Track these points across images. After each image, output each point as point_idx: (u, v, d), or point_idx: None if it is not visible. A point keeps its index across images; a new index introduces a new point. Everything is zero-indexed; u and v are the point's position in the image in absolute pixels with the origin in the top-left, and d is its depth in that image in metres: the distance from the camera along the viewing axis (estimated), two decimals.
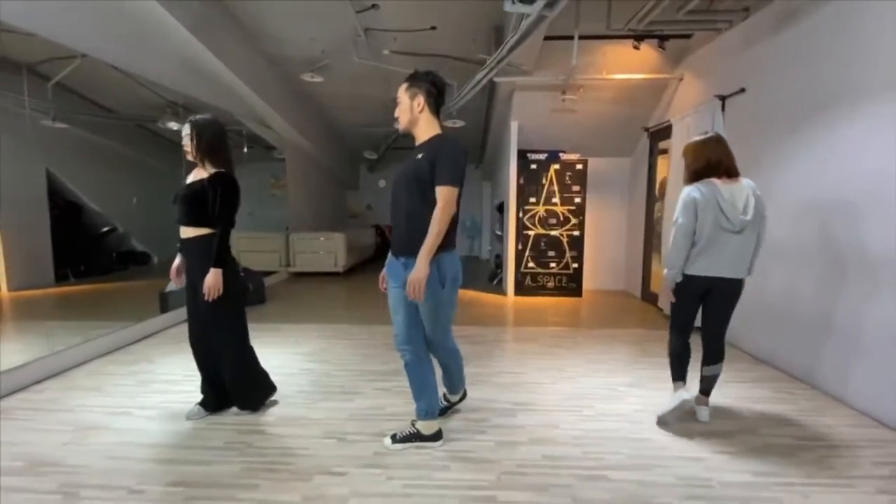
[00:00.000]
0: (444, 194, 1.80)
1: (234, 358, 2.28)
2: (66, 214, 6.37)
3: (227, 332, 2.25)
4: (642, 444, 2.07)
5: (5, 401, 2.46)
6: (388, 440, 2.03)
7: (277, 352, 3.29)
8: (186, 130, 2.16)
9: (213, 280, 2.09)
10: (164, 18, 3.63)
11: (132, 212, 7.59)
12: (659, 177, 5.12)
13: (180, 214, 2.17)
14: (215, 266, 2.10)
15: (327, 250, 6.89)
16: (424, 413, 2.02)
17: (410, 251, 1.83)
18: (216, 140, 2.18)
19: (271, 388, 2.44)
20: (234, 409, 2.36)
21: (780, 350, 3.06)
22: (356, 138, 8.75)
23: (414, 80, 1.92)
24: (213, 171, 2.17)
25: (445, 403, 2.33)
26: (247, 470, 1.84)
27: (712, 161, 2.20)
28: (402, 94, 1.93)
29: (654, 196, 5.20)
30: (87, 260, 6.91)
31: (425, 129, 1.92)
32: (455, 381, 2.23)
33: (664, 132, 4.82)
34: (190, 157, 2.19)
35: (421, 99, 1.88)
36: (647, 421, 2.30)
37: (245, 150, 7.24)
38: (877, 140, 2.37)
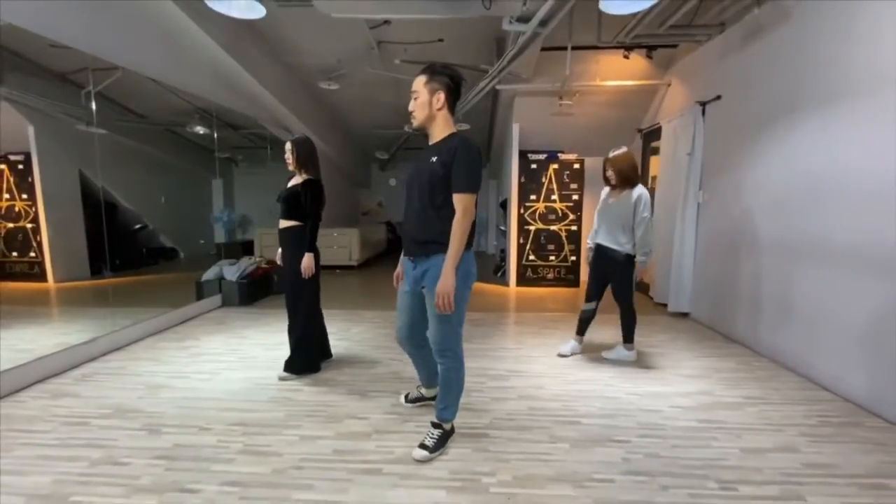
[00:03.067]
0: (463, 202, 1.74)
1: (302, 328, 2.79)
2: (101, 213, 6.93)
3: (305, 303, 2.79)
4: (612, 401, 2.49)
5: (84, 368, 2.95)
6: (419, 451, 1.91)
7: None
8: (288, 147, 2.76)
9: (307, 262, 2.69)
10: (200, 36, 4.11)
11: (161, 210, 8.15)
12: (651, 174, 5.49)
13: (281, 210, 2.77)
14: (309, 251, 2.69)
15: (342, 245, 7.37)
16: (452, 413, 2.01)
17: (420, 253, 1.86)
18: (308, 154, 2.77)
19: (316, 367, 2.89)
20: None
21: (748, 330, 3.44)
22: (368, 139, 9.21)
23: (434, 73, 1.81)
24: (306, 177, 2.73)
25: (419, 394, 2.39)
26: (290, 416, 2.30)
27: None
28: (421, 87, 1.81)
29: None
30: (122, 255, 7.48)
31: (441, 127, 1.84)
32: (448, 398, 1.98)
33: (656, 133, 5.19)
34: (290, 167, 2.79)
35: (442, 95, 1.79)
36: (621, 385, 2.71)
37: (269, 151, 7.75)
38: (829, 139, 2.73)
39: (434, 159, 1.79)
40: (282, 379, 2.76)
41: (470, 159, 1.76)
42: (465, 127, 6.85)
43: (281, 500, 1.65)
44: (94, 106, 4.22)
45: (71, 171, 5.97)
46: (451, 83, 1.82)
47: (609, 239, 2.99)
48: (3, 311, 4.55)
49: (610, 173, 2.99)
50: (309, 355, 2.86)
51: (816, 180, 2.81)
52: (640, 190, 2.92)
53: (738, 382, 2.75)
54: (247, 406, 2.41)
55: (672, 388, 2.66)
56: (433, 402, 2.18)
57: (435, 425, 2.00)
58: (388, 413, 2.32)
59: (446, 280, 1.73)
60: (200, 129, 6.78)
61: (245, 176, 10.05)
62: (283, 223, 2.76)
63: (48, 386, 2.66)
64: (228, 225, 9.85)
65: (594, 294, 3.14)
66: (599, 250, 3.07)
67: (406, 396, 2.39)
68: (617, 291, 3.05)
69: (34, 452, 1.96)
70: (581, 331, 3.24)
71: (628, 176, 2.94)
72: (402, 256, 2.04)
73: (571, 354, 3.20)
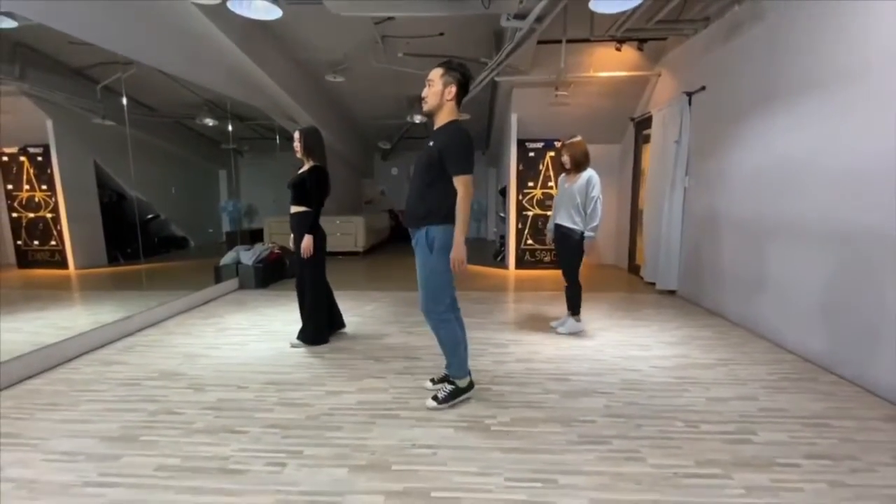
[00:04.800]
0: (461, 183, 2.02)
1: (310, 301, 3.11)
2: (114, 204, 7.23)
3: (310, 279, 3.09)
4: (599, 363, 2.82)
5: (125, 341, 3.27)
6: (430, 401, 2.20)
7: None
8: (296, 136, 3.03)
9: (306, 242, 2.98)
10: (215, 34, 4.36)
11: (172, 201, 8.45)
12: (644, 161, 5.76)
13: (291, 197, 3.05)
14: (310, 233, 2.98)
15: (348, 232, 7.67)
16: (457, 369, 2.22)
17: (417, 224, 2.14)
18: (315, 143, 3.05)
19: (325, 339, 3.19)
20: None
21: (727, 303, 3.76)
22: (371, 130, 9.45)
23: (450, 68, 2.06)
24: (311, 164, 3.00)
25: (444, 373, 2.37)
26: (315, 376, 2.63)
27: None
28: (437, 78, 2.07)
29: (639, 179, 5.86)
30: (134, 244, 7.80)
31: (446, 115, 2.10)
32: (447, 355, 2.23)
33: (647, 122, 5.45)
34: (298, 155, 3.07)
35: (453, 89, 2.06)
36: (608, 350, 3.03)
37: (277, 141, 8.02)
38: (799, 127, 2.99)
39: (431, 144, 2.08)
40: (294, 346, 3.09)
41: (460, 144, 2.03)
42: (465, 117, 7.10)
43: (316, 438, 1.97)
44: (124, 102, 4.50)
45: (86, 162, 6.26)
46: (463, 79, 2.09)
47: (567, 219, 3.27)
48: (35, 296, 4.86)
49: (565, 158, 3.31)
50: (319, 327, 3.15)
51: (789, 165, 3.10)
52: (589, 172, 3.23)
53: (713, 348, 3.08)
54: (276, 370, 2.73)
55: (653, 353, 2.98)
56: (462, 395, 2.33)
57: (447, 381, 2.29)
58: (403, 373, 2.65)
59: (457, 247, 2.04)
60: (210, 122, 7.04)
61: (251, 166, 10.32)
62: (293, 209, 3.04)
63: (97, 356, 2.98)
64: (234, 214, 10.15)
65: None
66: (559, 230, 3.34)
67: (436, 399, 2.22)
68: (566, 265, 3.34)
69: (98, 406, 2.28)
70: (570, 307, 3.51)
71: (580, 161, 3.25)
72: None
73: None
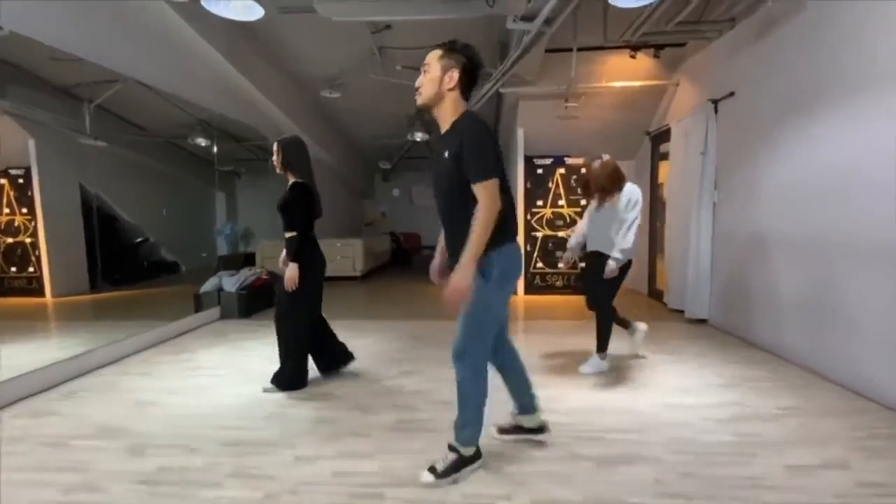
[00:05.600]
0: (480, 192, 1.52)
1: (290, 339, 2.64)
2: (101, 226, 6.86)
3: (292, 314, 2.62)
4: (636, 414, 2.29)
5: (70, 384, 2.79)
6: (426, 475, 1.69)
7: None
8: (274, 147, 2.59)
9: (290, 273, 2.51)
10: (200, 45, 4.03)
11: (162, 223, 8.07)
12: (660, 177, 5.33)
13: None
14: (293, 260, 2.51)
15: (346, 255, 7.23)
16: (469, 435, 1.74)
17: (457, 257, 1.59)
18: (294, 154, 2.60)
19: (302, 383, 2.68)
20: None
21: (774, 335, 3.23)
22: (371, 149, 9.15)
23: (451, 50, 1.63)
24: (292, 181, 2.58)
25: (514, 423, 2.02)
26: (287, 433, 2.12)
27: None
28: (434, 61, 1.63)
29: (657, 197, 5.41)
30: (122, 269, 7.39)
31: (450, 110, 1.63)
32: (462, 413, 1.73)
33: (664, 135, 5.04)
34: (277, 171, 2.62)
35: (455, 74, 1.59)
36: (643, 396, 2.51)
37: (270, 161, 7.72)
38: (855, 131, 2.56)
39: (445, 154, 1.61)
40: (266, 391, 2.60)
41: (479, 141, 1.55)
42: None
43: None
44: (88, 116, 4.14)
45: (71, 184, 5.91)
46: (469, 63, 1.62)
47: (605, 244, 2.80)
48: (2, 327, 4.41)
49: (591, 187, 2.85)
50: (299, 370, 2.66)
51: (843, 175, 2.65)
52: (629, 189, 2.78)
53: (771, 391, 2.55)
54: (240, 423, 2.23)
55: (700, 399, 2.45)
56: (536, 437, 1.98)
57: (450, 448, 1.75)
58: (392, 430, 2.14)
59: (460, 274, 1.52)
60: (202, 141, 6.72)
61: (248, 188, 10.00)
62: (286, 234, 2.60)
63: (33, 403, 2.50)
64: (231, 238, 9.77)
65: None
66: (595, 255, 2.87)
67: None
68: (600, 293, 2.85)
69: (5, 478, 1.78)
70: (623, 324, 3.07)
71: (605, 187, 2.78)
72: None
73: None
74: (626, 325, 3.08)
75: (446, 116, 1.64)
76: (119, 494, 1.67)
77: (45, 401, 2.53)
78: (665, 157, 5.08)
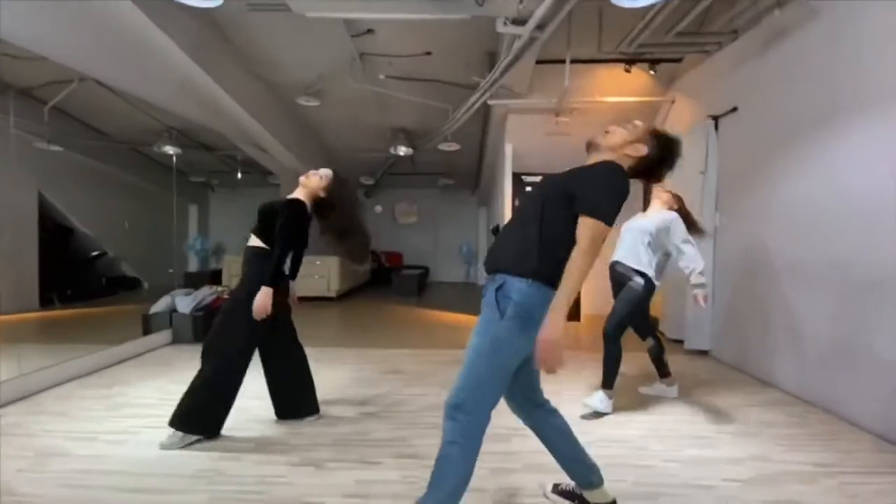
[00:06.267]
0: (586, 228, 1.27)
1: (209, 370, 2.15)
2: (55, 238, 6.30)
3: (228, 341, 2.18)
4: (648, 471, 1.92)
5: None
6: None
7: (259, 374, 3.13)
8: (328, 175, 2.33)
9: (262, 301, 2.09)
10: (163, 42, 3.65)
11: (124, 236, 7.51)
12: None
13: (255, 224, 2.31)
14: (269, 285, 2.11)
15: (321, 274, 6.78)
16: None
17: (493, 267, 1.40)
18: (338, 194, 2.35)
19: (214, 431, 2.16)
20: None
21: (789, 372, 2.92)
22: (352, 163, 8.80)
23: (658, 134, 1.55)
24: (292, 198, 2.27)
25: (571, 488, 1.66)
26: (216, 499, 1.67)
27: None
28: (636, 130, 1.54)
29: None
30: (76, 284, 6.79)
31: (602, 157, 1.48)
32: (434, 486, 1.30)
33: None
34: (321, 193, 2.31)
35: (643, 150, 1.47)
36: (653, 447, 2.14)
37: (239, 175, 7.25)
38: (876, 150, 2.33)
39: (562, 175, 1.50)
40: (163, 447, 2.05)
41: (608, 181, 1.38)
42: (454, 147, 6.47)
43: None
44: (45, 119, 3.73)
45: (26, 192, 5.41)
46: (662, 156, 1.52)
47: (630, 256, 2.58)
48: None
49: (667, 196, 2.73)
50: (203, 410, 2.11)
51: (862, 197, 2.40)
52: (674, 215, 2.58)
53: (798, 442, 2.20)
54: (160, 484, 1.77)
55: (719, 452, 2.09)
56: None
57: None
58: (351, 497, 1.71)
59: (553, 325, 1.24)
60: (169, 149, 6.28)
61: (221, 202, 9.51)
62: (252, 240, 2.26)
63: None
64: (202, 253, 9.22)
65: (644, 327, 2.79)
66: (613, 269, 2.64)
67: (555, 488, 1.65)
68: (614, 317, 2.58)
69: None
70: (662, 372, 2.80)
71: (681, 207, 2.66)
72: None
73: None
74: (665, 372, 2.80)
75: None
76: None
77: None
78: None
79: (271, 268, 2.11)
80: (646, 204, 2.80)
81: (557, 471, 1.60)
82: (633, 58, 4.14)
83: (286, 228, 2.16)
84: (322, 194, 2.29)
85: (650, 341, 2.79)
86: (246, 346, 2.20)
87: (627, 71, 4.31)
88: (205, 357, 2.17)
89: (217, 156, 7.48)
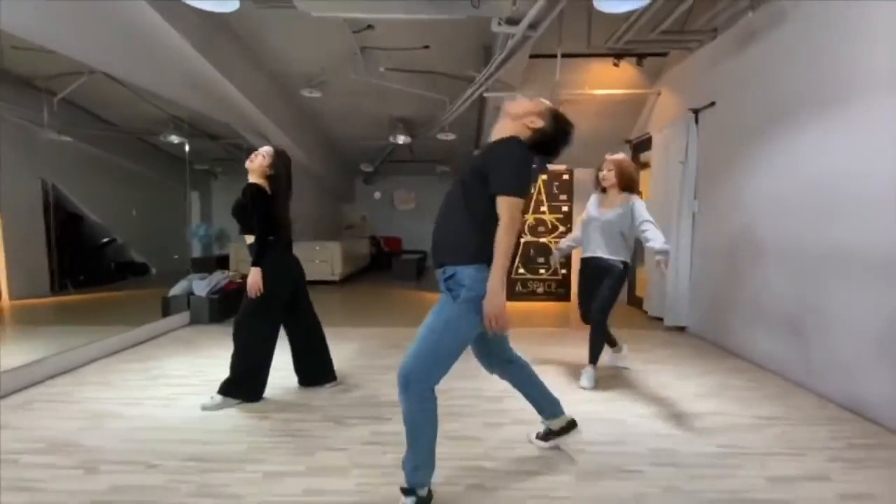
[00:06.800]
0: (504, 206, 1.46)
1: (237, 347, 2.50)
2: (66, 226, 6.53)
3: (243, 323, 2.51)
4: (618, 424, 2.25)
5: (20, 395, 2.59)
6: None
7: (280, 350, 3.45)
8: (267, 151, 2.53)
9: (254, 278, 2.41)
10: (171, 35, 3.85)
11: (132, 223, 7.75)
12: (641, 186, 5.37)
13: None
14: (254, 265, 2.42)
15: (323, 259, 7.07)
16: (424, 473, 1.52)
17: (442, 259, 1.56)
18: (281, 167, 2.54)
19: (256, 396, 2.51)
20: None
21: (752, 343, 3.25)
22: (352, 151, 9.01)
23: (553, 110, 1.68)
24: (247, 183, 2.48)
25: (545, 428, 1.99)
26: (254, 448, 2.00)
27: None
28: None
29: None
30: (88, 271, 7.04)
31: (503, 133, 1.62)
32: (413, 449, 1.51)
33: (645, 143, 5.09)
34: (255, 176, 2.49)
35: (539, 124, 1.61)
36: (624, 405, 2.48)
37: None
38: (833, 143, 2.60)
39: (476, 156, 1.65)
40: (204, 408, 2.39)
41: (513, 157, 1.53)
42: (451, 136, 6.70)
43: None
44: (55, 110, 3.92)
45: (31, 181, 5.62)
46: (555, 129, 1.65)
47: (606, 250, 2.77)
48: None
49: (609, 173, 2.76)
50: (245, 380, 2.47)
51: (821, 186, 2.68)
52: (637, 199, 2.75)
53: (752, 401, 2.54)
54: (205, 437, 2.10)
55: (683, 409, 2.43)
56: (565, 438, 1.94)
57: (404, 491, 1.52)
58: (370, 444, 2.04)
59: (495, 293, 1.46)
60: (175, 139, 6.48)
61: (225, 189, 9.71)
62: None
63: None
64: (205, 239, 9.46)
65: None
66: (594, 263, 2.82)
67: (537, 435, 2.00)
68: (601, 303, 2.73)
69: None
70: (611, 343, 3.04)
71: (629, 183, 2.75)
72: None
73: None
74: (613, 343, 3.06)
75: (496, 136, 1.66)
76: None
77: None
78: (646, 165, 5.12)
79: (255, 248, 2.41)
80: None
81: (528, 422, 1.92)
82: (621, 52, 4.37)
83: (252, 210, 2.40)
84: (269, 171, 2.48)
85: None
86: (268, 323, 2.51)
87: (616, 65, 4.54)
88: (235, 335, 2.48)
89: (221, 144, 7.67)
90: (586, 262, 2.87)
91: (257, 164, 2.49)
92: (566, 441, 1.95)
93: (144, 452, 1.95)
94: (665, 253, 2.49)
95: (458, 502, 1.62)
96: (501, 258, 1.45)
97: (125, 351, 3.49)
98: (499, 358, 1.87)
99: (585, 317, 2.90)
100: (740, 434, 2.15)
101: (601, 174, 2.82)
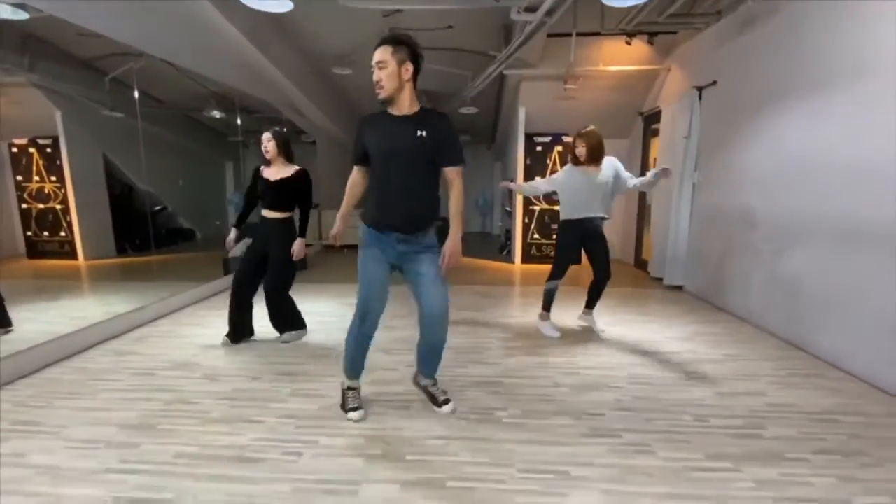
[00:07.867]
0: (459, 175, 1.95)
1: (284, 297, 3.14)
2: (122, 196, 7.27)
3: (286, 282, 3.13)
4: (608, 357, 2.84)
5: (135, 332, 3.31)
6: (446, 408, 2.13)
7: (324, 301, 4.12)
8: (269, 136, 2.96)
9: (299, 246, 2.96)
10: (224, 26, 4.34)
11: (178, 193, 8.49)
12: (651, 156, 5.74)
13: (272, 201, 2.98)
14: (301, 236, 2.99)
15: (354, 225, 7.67)
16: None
17: (424, 228, 1.99)
18: (289, 146, 3.03)
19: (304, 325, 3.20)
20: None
21: (737, 299, 3.75)
22: None
23: (399, 44, 1.83)
24: (299, 168, 2.99)
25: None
26: (328, 367, 2.66)
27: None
28: (389, 56, 1.81)
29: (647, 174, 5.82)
30: (142, 235, 7.86)
31: (410, 98, 1.87)
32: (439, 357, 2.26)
33: (656, 116, 5.42)
34: (268, 156, 2.96)
35: (410, 67, 1.83)
36: (616, 343, 3.05)
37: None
38: (816, 123, 2.96)
39: (422, 134, 1.84)
40: (283, 341, 3.09)
41: (456, 134, 1.95)
42: (473, 110, 7.08)
43: (331, 428, 2.01)
44: (136, 95, 4.48)
45: (96, 153, 6.30)
46: (415, 55, 1.85)
47: (602, 210, 3.11)
48: (45, 286, 4.92)
49: (581, 149, 3.11)
50: (299, 315, 3.18)
51: (804, 162, 3.06)
52: (612, 159, 3.15)
53: (722, 344, 3.09)
54: (291, 360, 2.77)
55: (662, 349, 2.99)
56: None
57: (435, 384, 2.27)
58: (412, 365, 2.67)
59: (457, 241, 1.98)
60: (217, 114, 7.06)
61: (254, 158, 10.32)
62: (274, 214, 2.96)
63: (111, 346, 3.02)
64: (240, 206, 10.19)
65: (563, 272, 3.31)
66: (594, 223, 3.14)
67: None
68: (604, 259, 3.16)
69: (115, 396, 2.32)
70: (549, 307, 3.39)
71: (598, 152, 3.09)
72: (373, 231, 2.10)
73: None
74: (548, 307, 3.41)
75: (407, 103, 1.88)
76: (210, 405, 2.20)
77: (121, 344, 3.06)
78: (656, 134, 5.47)
79: (305, 222, 3.01)
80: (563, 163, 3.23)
81: (552, 355, 2.51)
82: (632, 32, 4.65)
83: (306, 193, 3.02)
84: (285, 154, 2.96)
85: (555, 283, 3.34)
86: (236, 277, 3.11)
87: (628, 43, 4.83)
88: (283, 293, 3.12)
89: (255, 118, 8.22)
90: (582, 223, 3.13)
91: (274, 151, 2.91)
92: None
93: (248, 369, 2.63)
94: (662, 170, 2.90)
95: (486, 401, 2.24)
96: (460, 216, 1.96)
97: (203, 301, 4.21)
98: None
99: (608, 273, 3.21)
100: (705, 365, 2.71)
101: (578, 150, 3.14)
